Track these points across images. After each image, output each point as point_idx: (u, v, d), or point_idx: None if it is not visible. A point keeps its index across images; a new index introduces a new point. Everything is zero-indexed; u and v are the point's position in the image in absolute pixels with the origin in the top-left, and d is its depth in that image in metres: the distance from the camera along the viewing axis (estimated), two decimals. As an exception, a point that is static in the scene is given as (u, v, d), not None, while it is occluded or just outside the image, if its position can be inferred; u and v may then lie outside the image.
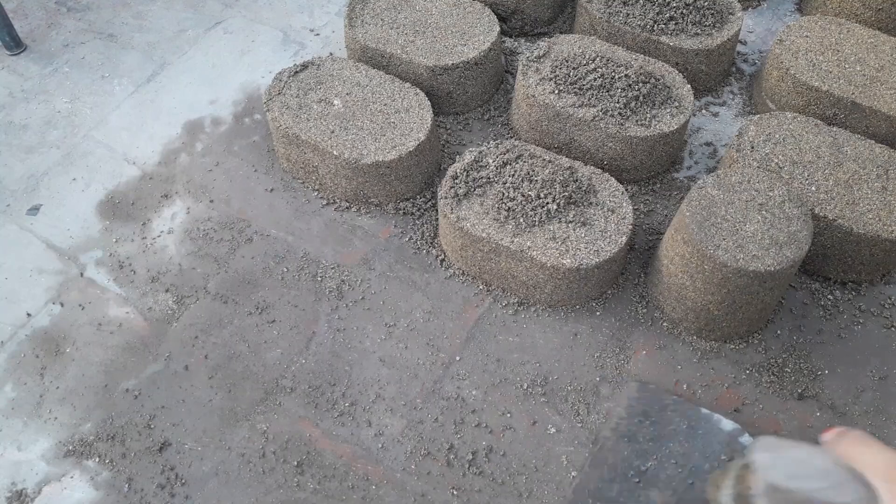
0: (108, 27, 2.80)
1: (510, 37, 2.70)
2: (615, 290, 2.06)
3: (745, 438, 1.73)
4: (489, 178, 2.01)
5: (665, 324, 1.99)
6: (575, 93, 2.18)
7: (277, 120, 2.18)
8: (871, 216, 1.92)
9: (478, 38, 2.36)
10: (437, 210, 2.22)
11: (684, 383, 1.90)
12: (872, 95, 2.18)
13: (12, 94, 2.58)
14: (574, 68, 2.22)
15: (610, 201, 1.98)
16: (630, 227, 1.94)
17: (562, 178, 1.99)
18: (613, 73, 2.19)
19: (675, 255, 1.85)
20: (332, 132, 2.15)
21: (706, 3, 2.41)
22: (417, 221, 2.21)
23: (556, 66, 2.23)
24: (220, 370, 1.92)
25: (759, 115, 2.14)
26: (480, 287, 2.06)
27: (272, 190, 2.29)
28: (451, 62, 2.30)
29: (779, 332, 1.98)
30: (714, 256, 1.73)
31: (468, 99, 2.44)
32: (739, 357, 1.94)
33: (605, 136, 2.14)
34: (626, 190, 2.25)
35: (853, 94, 2.19)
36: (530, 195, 1.95)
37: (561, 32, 2.71)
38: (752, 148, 2.05)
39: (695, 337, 1.97)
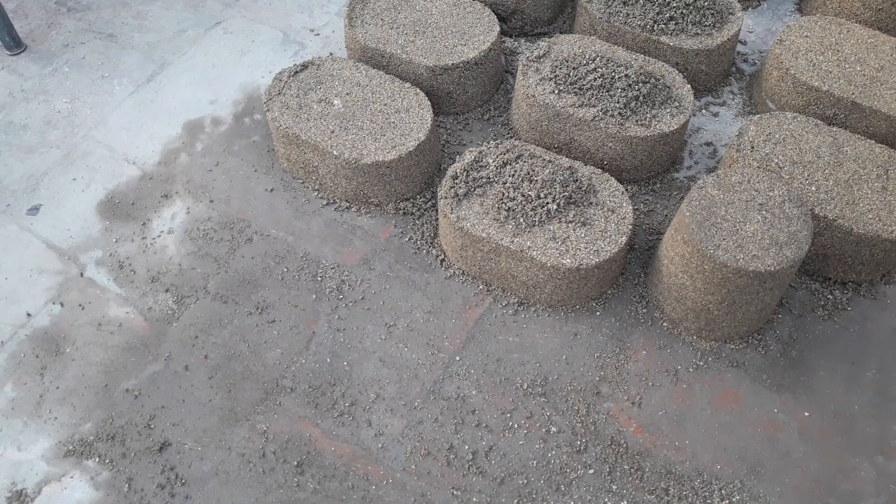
0: (108, 27, 2.80)
1: (510, 37, 2.70)
2: (615, 290, 2.06)
3: None
4: (489, 178, 2.01)
5: (665, 324, 1.99)
6: (575, 93, 2.18)
7: (277, 120, 2.18)
8: (871, 216, 1.92)
9: (478, 38, 2.36)
10: (437, 210, 2.22)
11: (684, 383, 1.90)
12: (872, 95, 2.18)
13: (12, 94, 2.57)
14: (574, 68, 2.22)
15: (610, 201, 1.98)
16: (630, 227, 1.93)
17: (562, 178, 1.99)
18: (613, 73, 2.18)
19: (675, 255, 1.84)
20: (332, 132, 2.15)
21: (706, 3, 2.41)
22: (417, 221, 2.20)
23: (556, 66, 2.23)
24: (220, 370, 1.92)
25: (759, 115, 2.14)
26: (480, 287, 2.06)
27: (272, 190, 2.29)
28: (451, 62, 2.30)
29: (779, 332, 1.98)
30: (714, 256, 1.73)
31: (468, 99, 2.44)
32: (739, 357, 1.94)
33: (605, 136, 2.14)
34: (626, 190, 2.25)
35: (853, 94, 2.18)
36: (530, 195, 1.95)
37: (561, 32, 2.71)
38: (752, 148, 2.05)
39: (695, 337, 1.97)
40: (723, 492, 1.74)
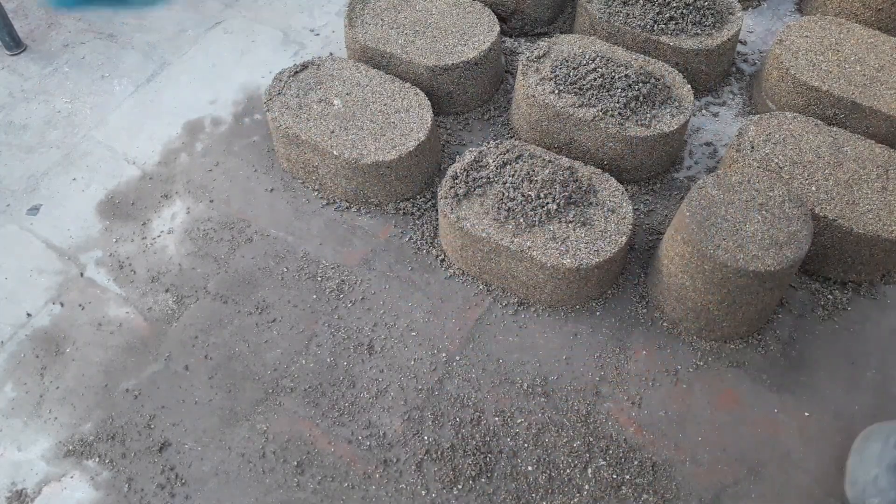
0: (108, 27, 2.80)
1: (510, 37, 2.70)
2: (615, 290, 2.06)
3: None
4: (489, 178, 2.01)
5: (665, 324, 1.99)
6: (575, 93, 2.18)
7: (277, 120, 2.18)
8: (871, 216, 1.92)
9: (478, 38, 2.36)
10: (437, 210, 2.22)
11: (684, 383, 1.90)
12: (872, 95, 2.18)
13: (12, 94, 2.58)
14: (574, 68, 2.22)
15: (610, 201, 1.98)
16: (630, 227, 1.94)
17: (562, 178, 1.99)
18: (613, 73, 2.19)
19: (675, 255, 1.84)
20: (332, 132, 2.15)
21: (706, 3, 2.41)
22: (417, 221, 2.21)
23: (556, 66, 2.23)
24: (220, 370, 1.92)
25: (759, 115, 2.14)
26: (480, 287, 2.06)
27: (272, 190, 2.29)
28: (451, 62, 2.30)
29: (779, 332, 1.98)
30: (714, 256, 1.73)
31: (468, 99, 2.44)
32: (739, 357, 1.94)
33: (605, 136, 2.14)
34: (626, 190, 2.25)
35: (853, 94, 2.19)
36: (530, 195, 1.95)
37: (561, 32, 2.71)
38: (752, 148, 2.05)
39: (695, 337, 1.97)
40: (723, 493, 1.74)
